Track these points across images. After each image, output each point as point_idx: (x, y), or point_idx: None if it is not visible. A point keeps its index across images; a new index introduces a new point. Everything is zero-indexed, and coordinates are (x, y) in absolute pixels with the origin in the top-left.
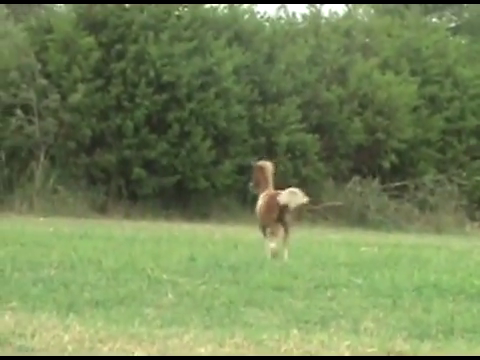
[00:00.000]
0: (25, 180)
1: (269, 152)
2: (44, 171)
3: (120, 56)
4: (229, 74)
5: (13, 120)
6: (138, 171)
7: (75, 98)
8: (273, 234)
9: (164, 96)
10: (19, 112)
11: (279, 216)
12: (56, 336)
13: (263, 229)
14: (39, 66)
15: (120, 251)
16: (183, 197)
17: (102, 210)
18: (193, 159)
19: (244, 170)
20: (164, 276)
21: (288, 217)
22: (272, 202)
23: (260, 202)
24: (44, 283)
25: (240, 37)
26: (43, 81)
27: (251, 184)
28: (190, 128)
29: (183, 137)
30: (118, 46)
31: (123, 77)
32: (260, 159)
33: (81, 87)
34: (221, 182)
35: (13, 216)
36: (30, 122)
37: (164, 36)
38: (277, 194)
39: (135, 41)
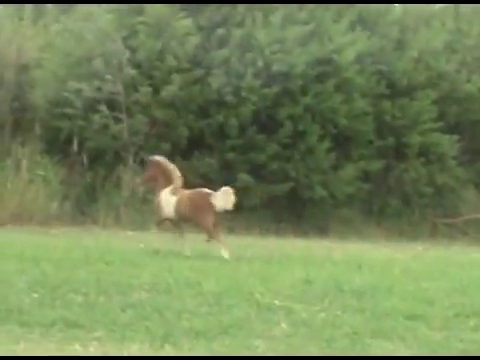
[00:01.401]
0: (111, 188)
1: (398, 155)
2: (133, 177)
3: (222, 42)
4: (351, 63)
5: (97, 117)
6: (243, 177)
7: (169, 91)
8: (213, 236)
9: (274, 89)
10: (104, 108)
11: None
12: None
13: (160, 223)
14: (127, 54)
15: (222, 272)
16: (296, 208)
17: None
18: (308, 163)
19: (368, 176)
20: (275, 302)
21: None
22: (204, 203)
23: (165, 198)
24: (134, 309)
25: (364, 20)
26: (132, 72)
27: (142, 179)
28: (305, 127)
29: (297, 137)
30: (220, 30)
31: (226, 67)
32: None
33: (176, 78)
34: (341, 191)
35: (97, 230)
36: (117, 120)
37: (275, 18)
38: (208, 194)
39: (240, 24)
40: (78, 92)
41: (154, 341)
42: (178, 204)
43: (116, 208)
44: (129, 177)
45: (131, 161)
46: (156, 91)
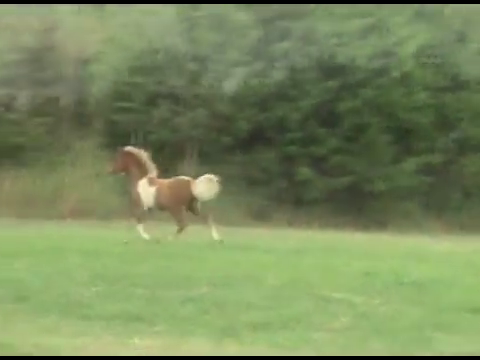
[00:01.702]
0: None
1: (459, 148)
2: (194, 171)
3: (283, 35)
4: (412, 56)
5: (158, 111)
6: (304, 171)
7: (230, 85)
8: (180, 222)
9: (335, 82)
10: (165, 102)
11: (189, 205)
12: None
13: (139, 215)
14: (188, 48)
15: (282, 265)
16: (357, 202)
17: (261, 217)
18: (369, 157)
19: (429, 170)
20: (336, 295)
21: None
22: (182, 192)
23: (143, 189)
24: (194, 303)
25: (424, 12)
26: (193, 65)
27: (110, 168)
28: (366, 120)
29: (357, 131)
30: (281, 23)
31: (287, 60)
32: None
33: (237, 72)
34: (402, 184)
35: (158, 223)
36: (178, 113)
37: (336, 11)
38: (187, 182)
39: (301, 17)
40: (139, 86)
41: (214, 335)
42: (158, 193)
43: None
44: (190, 170)
45: (192, 154)
46: (217, 85)
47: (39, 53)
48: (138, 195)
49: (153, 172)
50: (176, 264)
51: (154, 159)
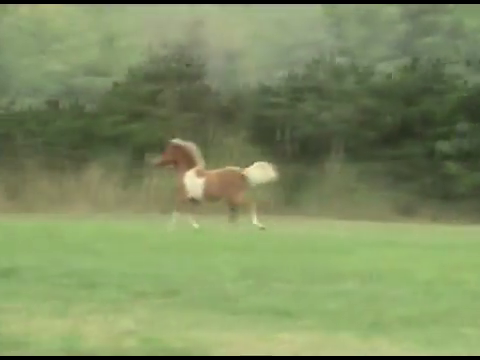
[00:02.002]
0: (317, 176)
1: None
2: (340, 166)
3: (429, 29)
4: None
5: (304, 106)
6: (451, 166)
7: (376, 79)
8: (247, 207)
9: None
10: (311, 96)
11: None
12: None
13: (181, 206)
14: (335, 42)
15: (431, 260)
16: None
17: (407, 212)
18: None
19: None
20: None
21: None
22: (235, 180)
23: (190, 181)
24: (343, 297)
25: None
26: (339, 60)
27: (157, 162)
28: None
29: None
30: (427, 17)
31: (434, 54)
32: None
33: (383, 66)
34: None
35: (303, 218)
36: (324, 108)
37: None
38: (238, 171)
39: (449, 11)
40: (285, 81)
41: (362, 330)
42: (207, 184)
43: (323, 197)
44: (335, 166)
45: (338, 150)
46: (363, 79)
47: (186, 49)
48: (183, 186)
49: (200, 165)
50: (322, 258)
51: (298, 155)
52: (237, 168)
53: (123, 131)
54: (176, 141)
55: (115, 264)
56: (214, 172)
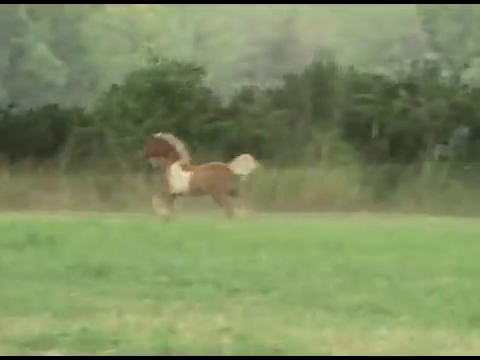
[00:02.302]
0: (411, 172)
1: None
2: (434, 162)
3: None
4: None
5: (397, 102)
6: None
7: (469, 75)
8: (226, 205)
9: None
10: (404, 92)
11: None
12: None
13: (167, 198)
14: (427, 38)
15: None
16: None
17: None
18: None
19: None
20: None
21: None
22: (222, 174)
23: (175, 174)
24: (439, 293)
25: None
26: (432, 55)
27: (141, 154)
28: None
29: None
30: None
31: None
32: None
33: (476, 62)
34: None
35: (397, 215)
36: (417, 104)
37: None
38: (223, 166)
39: None
40: (377, 77)
41: (460, 325)
42: (193, 178)
43: (417, 193)
44: (430, 162)
45: (431, 146)
46: (457, 74)
47: (278, 45)
48: (168, 180)
49: (185, 159)
50: (417, 255)
51: (392, 151)
52: (221, 163)
53: (215, 128)
54: (158, 135)
55: (207, 261)
56: (200, 167)
